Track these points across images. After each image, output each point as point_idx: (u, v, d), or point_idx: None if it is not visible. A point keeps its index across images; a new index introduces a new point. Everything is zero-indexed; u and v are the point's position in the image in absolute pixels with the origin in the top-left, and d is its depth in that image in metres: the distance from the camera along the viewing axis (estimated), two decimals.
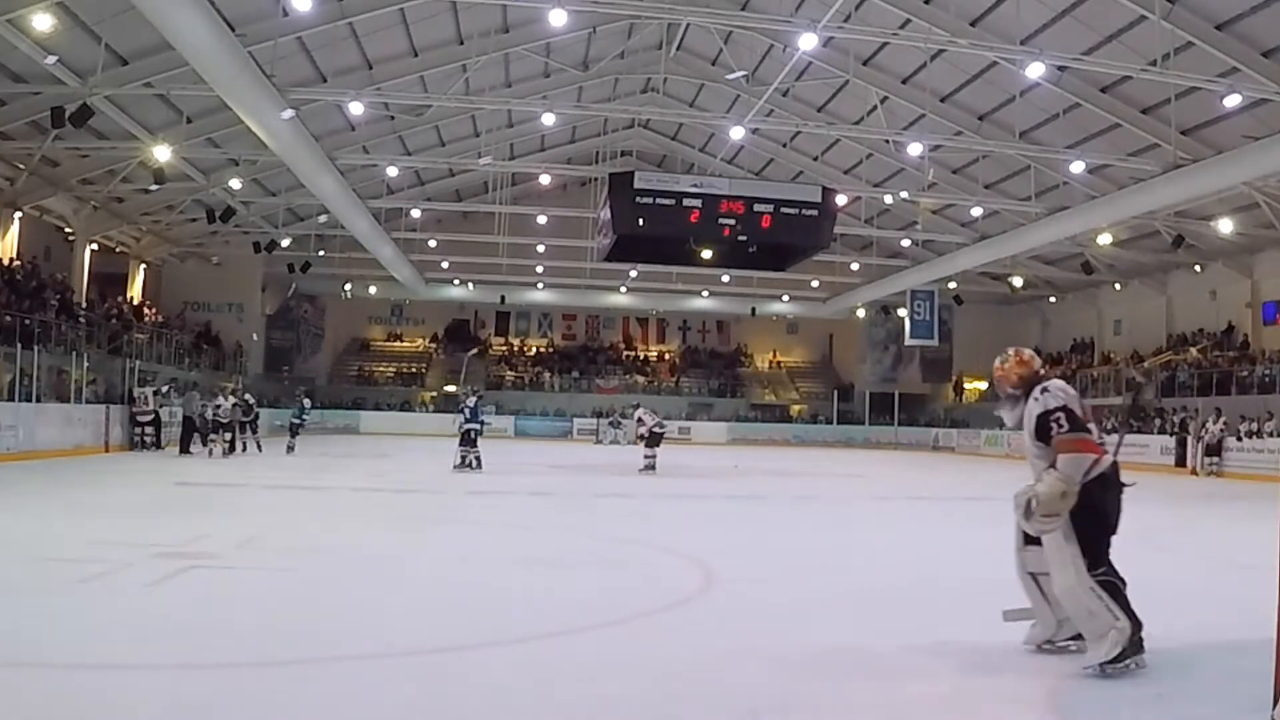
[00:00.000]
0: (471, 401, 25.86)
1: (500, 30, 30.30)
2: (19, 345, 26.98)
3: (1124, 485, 6.88)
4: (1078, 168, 30.35)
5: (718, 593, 9.31)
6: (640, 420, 28.25)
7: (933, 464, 39.19)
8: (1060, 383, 7.02)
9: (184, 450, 29.51)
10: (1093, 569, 6.57)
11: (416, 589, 9.10)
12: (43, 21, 22.68)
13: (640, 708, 5.63)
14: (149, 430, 30.72)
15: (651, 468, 26.82)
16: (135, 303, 44.07)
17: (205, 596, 8.45)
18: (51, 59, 23.99)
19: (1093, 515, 6.63)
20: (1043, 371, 7.22)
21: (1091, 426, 6.84)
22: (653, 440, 27.56)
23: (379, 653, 6.64)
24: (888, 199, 38.80)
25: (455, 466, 25.02)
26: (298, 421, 32.99)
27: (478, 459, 25.28)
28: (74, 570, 9.21)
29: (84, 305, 36.77)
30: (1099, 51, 25.29)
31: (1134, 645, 6.46)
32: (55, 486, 18.63)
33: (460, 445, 25.44)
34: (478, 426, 25.53)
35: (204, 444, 30.17)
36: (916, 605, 8.81)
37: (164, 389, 32.45)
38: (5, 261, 33.03)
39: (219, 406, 29.34)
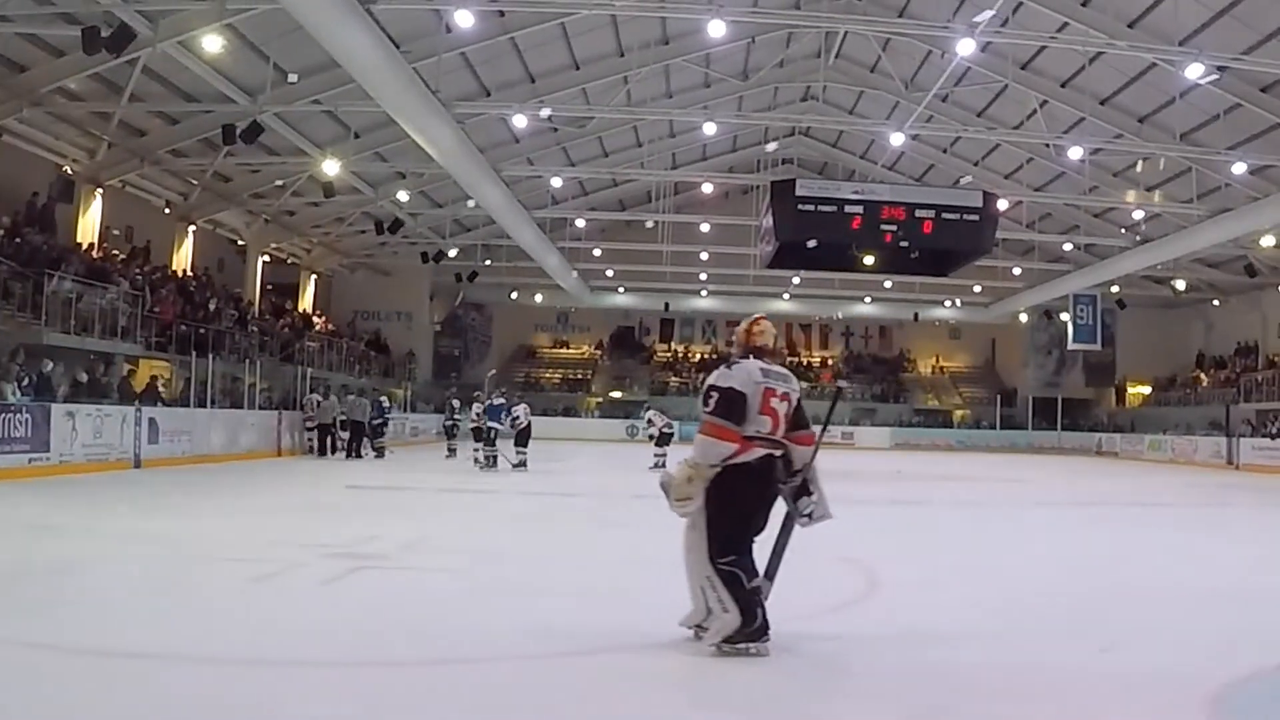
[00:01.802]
0: (491, 402, 27.06)
1: (660, 42, 30.69)
2: (194, 353, 28.09)
3: (782, 482, 6.82)
4: (1239, 169, 29.70)
5: (880, 597, 9.28)
6: (650, 421, 28.85)
7: (1096, 469, 38.48)
8: (753, 365, 6.77)
9: (351, 454, 30.08)
10: (718, 557, 6.56)
11: (581, 590, 9.14)
12: (213, 43, 23.46)
13: (801, 709, 5.72)
14: (318, 435, 31.06)
15: (662, 465, 26.77)
16: (306, 312, 45.39)
17: (376, 596, 8.60)
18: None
19: (725, 503, 6.61)
20: (766, 348, 6.91)
21: (766, 418, 6.65)
22: (662, 440, 28.23)
23: (544, 653, 6.72)
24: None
25: (477, 465, 26.27)
26: (379, 422, 31.57)
27: (492, 457, 26.27)
28: (247, 569, 9.47)
29: (258, 315, 38.02)
30: (1259, 50, 24.57)
31: (746, 635, 6.47)
32: (228, 489, 19.28)
33: (477, 443, 26.87)
34: (498, 426, 26.30)
35: (373, 449, 30.92)
36: (1079, 613, 8.69)
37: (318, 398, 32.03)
38: (180, 273, 34.33)
39: (477, 414, 28.03)
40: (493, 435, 26.42)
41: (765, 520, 6.87)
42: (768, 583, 6.85)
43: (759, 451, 6.63)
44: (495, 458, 26.32)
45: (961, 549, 13.33)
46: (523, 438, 26.47)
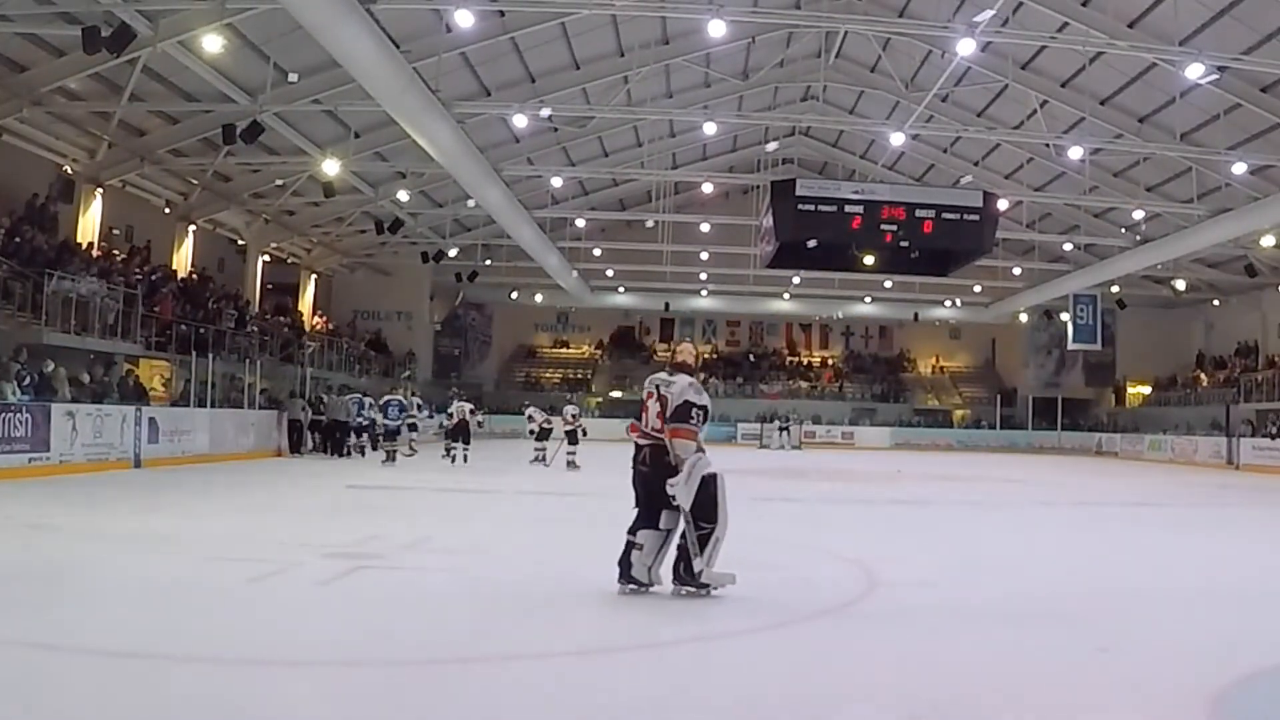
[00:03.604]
0: (381, 400, 30.04)
1: (660, 42, 30.67)
2: (194, 353, 28.15)
3: (636, 466, 8.90)
4: (1239, 169, 29.70)
5: (880, 597, 9.25)
6: (531, 418, 29.85)
7: (1096, 469, 38.43)
8: (651, 378, 9.19)
9: (337, 453, 30.37)
10: None
11: (581, 589, 9.02)
12: (213, 43, 23.36)
13: (800, 709, 5.69)
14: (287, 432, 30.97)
15: (541, 459, 27.90)
16: (306, 312, 45.43)
17: (375, 596, 8.60)
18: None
19: None
20: (684, 364, 9.23)
21: (644, 415, 8.99)
22: (542, 435, 28.96)
23: (544, 653, 6.74)
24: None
25: (381, 462, 27.49)
26: (364, 422, 31.22)
27: (391, 453, 28.23)
28: (245, 569, 9.45)
29: (258, 315, 38.03)
30: (1259, 50, 24.55)
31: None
32: (228, 489, 19.28)
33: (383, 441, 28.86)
34: (388, 423, 28.86)
35: (373, 447, 30.92)
36: (1078, 612, 8.65)
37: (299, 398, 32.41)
38: (181, 273, 34.33)
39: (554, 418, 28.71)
40: (383, 430, 28.84)
41: (659, 493, 8.55)
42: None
43: (636, 440, 8.92)
44: (395, 453, 28.10)
45: (961, 549, 13.28)
46: (456, 433, 28.76)
